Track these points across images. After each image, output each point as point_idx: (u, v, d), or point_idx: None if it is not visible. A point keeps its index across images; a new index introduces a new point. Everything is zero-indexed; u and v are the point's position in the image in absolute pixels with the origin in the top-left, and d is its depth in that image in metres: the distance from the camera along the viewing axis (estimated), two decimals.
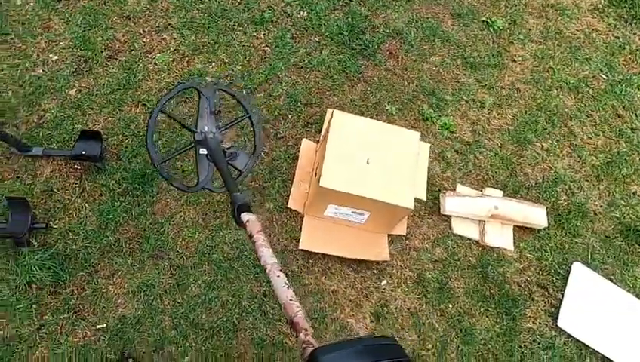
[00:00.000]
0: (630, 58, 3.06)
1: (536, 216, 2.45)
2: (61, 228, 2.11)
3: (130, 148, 2.29)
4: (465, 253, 2.37)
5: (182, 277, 2.12)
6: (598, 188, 2.65)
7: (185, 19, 2.63)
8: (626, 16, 3.19)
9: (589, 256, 2.47)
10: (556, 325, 2.28)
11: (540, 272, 2.40)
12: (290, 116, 2.52)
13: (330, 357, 1.00)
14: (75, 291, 2.04)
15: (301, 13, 2.79)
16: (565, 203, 2.58)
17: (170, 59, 2.53)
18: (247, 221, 1.46)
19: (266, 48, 2.66)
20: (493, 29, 2.97)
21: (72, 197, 2.17)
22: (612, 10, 3.20)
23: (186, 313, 2.06)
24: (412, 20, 2.90)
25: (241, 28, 2.68)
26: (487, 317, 2.27)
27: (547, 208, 2.51)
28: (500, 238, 2.41)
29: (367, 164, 2.10)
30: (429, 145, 2.50)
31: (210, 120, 1.96)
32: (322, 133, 2.41)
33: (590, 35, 3.08)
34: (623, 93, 2.92)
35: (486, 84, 2.80)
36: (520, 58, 2.92)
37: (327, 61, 2.68)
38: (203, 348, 2.02)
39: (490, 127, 2.69)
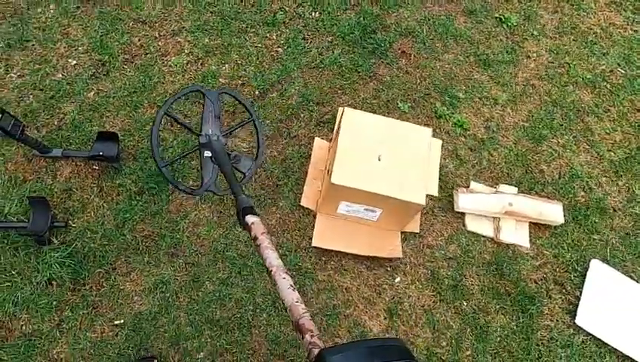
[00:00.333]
0: None
1: (553, 212, 2.41)
2: (80, 226, 2.17)
3: (146, 149, 2.34)
4: (479, 250, 2.35)
5: (197, 274, 2.15)
6: (617, 183, 2.60)
7: (198, 23, 2.68)
8: None
9: (608, 253, 2.42)
10: (574, 323, 2.24)
11: (557, 269, 2.37)
12: (302, 115, 2.54)
13: (336, 359, 1.01)
14: (94, 288, 2.09)
15: (313, 13, 2.82)
16: (583, 199, 2.54)
17: (185, 61, 2.58)
18: (252, 223, 1.45)
19: (279, 49, 2.69)
20: (507, 25, 2.95)
21: (90, 196, 2.23)
22: (630, 3, 3.14)
23: (201, 309, 2.09)
24: (424, 19, 2.90)
25: (253, 29, 2.72)
26: (502, 314, 2.25)
27: (564, 205, 2.47)
28: (515, 235, 2.38)
29: (379, 160, 2.10)
30: (440, 141, 2.49)
31: (214, 123, 1.99)
32: (334, 131, 2.43)
33: (607, 29, 3.04)
34: None
35: (499, 81, 2.78)
36: (534, 54, 2.89)
37: (339, 60, 2.70)
38: (218, 344, 2.04)
39: (504, 123, 2.67)
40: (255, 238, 1.42)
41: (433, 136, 2.24)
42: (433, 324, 2.19)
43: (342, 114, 2.21)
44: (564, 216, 2.44)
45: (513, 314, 2.25)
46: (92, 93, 2.45)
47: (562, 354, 2.19)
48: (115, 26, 2.61)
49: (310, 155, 2.44)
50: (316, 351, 1.06)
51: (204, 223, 2.25)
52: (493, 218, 2.41)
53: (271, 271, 1.31)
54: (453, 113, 2.64)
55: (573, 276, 2.36)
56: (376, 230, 2.31)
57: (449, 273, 2.29)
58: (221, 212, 2.28)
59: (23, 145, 2.19)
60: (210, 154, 1.95)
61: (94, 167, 2.28)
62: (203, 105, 2.03)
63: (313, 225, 2.29)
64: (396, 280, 2.26)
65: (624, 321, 2.26)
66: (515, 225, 2.40)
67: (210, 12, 2.72)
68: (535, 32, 2.96)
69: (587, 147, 2.68)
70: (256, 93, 2.55)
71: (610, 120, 2.77)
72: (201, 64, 2.58)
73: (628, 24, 3.09)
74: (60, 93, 2.42)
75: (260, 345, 2.07)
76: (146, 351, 2.01)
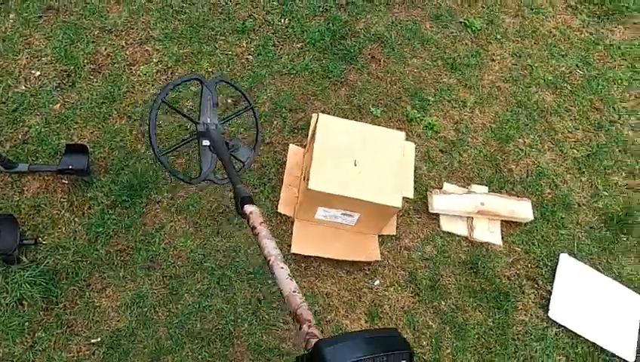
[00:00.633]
0: (604, 53, 3.15)
1: (522, 210, 2.49)
2: (51, 243, 2.10)
3: (117, 161, 2.29)
4: (455, 250, 2.41)
5: (175, 286, 2.11)
6: (581, 180, 2.71)
7: (167, 31, 2.64)
8: (598, 13, 3.28)
9: (575, 247, 2.52)
10: (547, 316, 2.32)
11: (529, 265, 2.44)
12: (275, 122, 2.54)
13: (334, 348, 1.02)
14: (68, 306, 2.02)
15: (282, 20, 2.82)
16: (550, 196, 2.63)
17: (154, 70, 2.54)
18: (251, 212, 1.48)
19: (249, 56, 2.68)
20: (472, 29, 3.04)
21: (60, 211, 2.16)
22: (585, 7, 3.29)
23: (180, 322, 2.05)
24: (392, 24, 2.95)
25: (223, 37, 2.70)
26: (479, 311, 2.30)
27: (532, 202, 2.56)
28: (488, 233, 2.45)
29: (355, 165, 2.12)
30: (414, 144, 2.54)
31: (212, 112, 1.98)
32: (309, 137, 2.44)
33: (565, 32, 3.17)
34: (599, 87, 3.01)
35: (467, 84, 2.85)
36: (499, 57, 2.99)
37: (310, 67, 2.71)
38: (200, 356, 2.01)
39: (473, 125, 2.74)
40: (253, 228, 1.46)
41: (406, 139, 2.28)
42: (413, 325, 2.22)
43: (316, 120, 2.22)
44: (533, 212, 2.52)
45: (489, 310, 2.31)
46: (58, 104, 2.37)
47: (537, 347, 2.26)
48: (80, 35, 2.54)
49: (285, 162, 2.44)
50: (314, 341, 1.07)
51: (180, 234, 2.22)
52: (467, 218, 2.47)
53: (269, 260, 1.33)
54: (424, 116, 2.69)
55: (544, 271, 2.44)
56: (354, 234, 2.33)
57: (426, 273, 2.33)
58: (197, 222, 2.25)
59: None
60: (208, 143, 1.93)
61: (63, 181, 2.21)
62: (201, 94, 2.01)
63: (291, 232, 2.29)
64: (375, 283, 2.28)
65: (594, 312, 2.36)
66: (488, 223, 2.46)
67: (179, 20, 2.69)
68: (498, 36, 3.06)
69: (551, 145, 2.79)
70: (229, 101, 2.54)
71: (572, 119, 2.89)
72: (171, 73, 2.54)
73: (583, 27, 3.24)
74: (23, 105, 2.34)
75: (243, 355, 2.05)
76: None
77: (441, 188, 2.52)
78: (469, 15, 3.08)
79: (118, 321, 2.03)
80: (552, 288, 2.38)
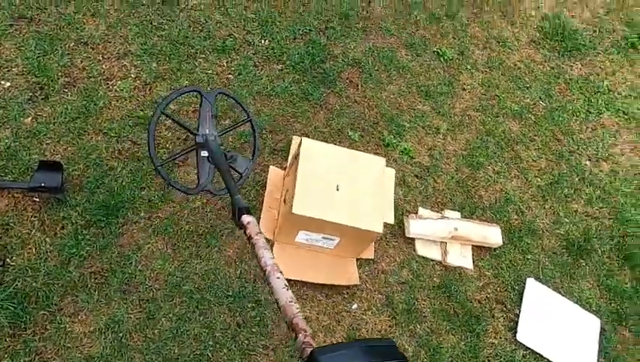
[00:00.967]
0: (564, 86, 3.35)
1: (493, 235, 2.60)
2: (20, 264, 1.99)
3: (92, 179, 2.21)
4: (429, 274, 2.47)
5: (152, 311, 2.05)
6: (544, 207, 2.86)
7: (146, 46, 2.59)
8: (558, 49, 3.49)
9: (540, 272, 2.65)
10: (515, 339, 2.41)
11: (498, 289, 2.54)
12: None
13: (329, 357, 1.04)
14: (37, 332, 1.92)
15: (262, 41, 2.84)
16: (516, 222, 2.76)
17: (132, 86, 2.48)
18: (248, 223, 1.51)
19: (230, 76, 2.67)
20: (444, 58, 3.16)
21: (30, 231, 2.06)
22: (546, 42, 3.49)
23: (157, 348, 2.00)
24: (369, 50, 3.02)
25: (203, 55, 2.68)
26: (452, 334, 2.37)
27: (501, 227, 2.67)
28: (461, 258, 2.53)
29: (337, 190, 2.15)
30: (394, 170, 2.59)
31: (211, 123, 2.01)
32: (289, 160, 2.45)
33: (529, 65, 3.35)
34: (560, 118, 3.19)
35: (440, 111, 2.96)
36: (469, 86, 3.12)
37: (290, 89, 2.73)
38: None
39: (445, 151, 2.84)
40: (250, 238, 1.48)
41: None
42: None
43: (299, 144, 2.24)
44: (502, 238, 2.63)
45: (462, 334, 2.38)
46: (29, 118, 2.27)
47: None
48: (54, 46, 2.45)
49: (265, 184, 2.44)
50: (309, 351, 1.09)
51: (157, 256, 2.16)
52: (441, 242, 2.54)
53: (265, 270, 1.35)
54: (400, 142, 2.76)
55: (512, 295, 2.55)
56: (332, 258, 2.35)
57: (403, 297, 2.38)
58: (175, 244, 2.20)
59: None
60: (206, 154, 1.95)
61: (35, 199, 2.11)
62: (200, 106, 2.02)
63: None
64: (353, 307, 2.31)
65: (557, 334, 2.48)
66: (461, 248, 2.55)
67: (158, 36, 2.64)
68: (469, 66, 3.19)
69: (518, 173, 2.93)
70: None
71: (536, 148, 3.05)
72: (149, 89, 2.49)
73: (545, 61, 3.43)
74: None
75: None
76: None
77: (417, 212, 2.58)
78: (441, 45, 3.21)
79: (91, 347, 1.95)
80: (519, 311, 2.49)
